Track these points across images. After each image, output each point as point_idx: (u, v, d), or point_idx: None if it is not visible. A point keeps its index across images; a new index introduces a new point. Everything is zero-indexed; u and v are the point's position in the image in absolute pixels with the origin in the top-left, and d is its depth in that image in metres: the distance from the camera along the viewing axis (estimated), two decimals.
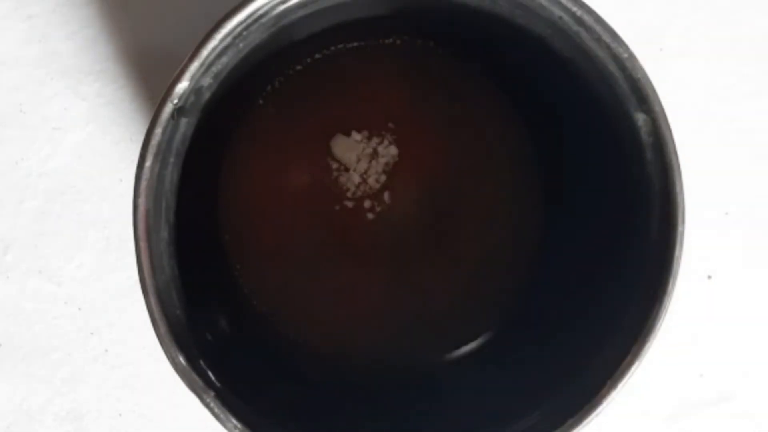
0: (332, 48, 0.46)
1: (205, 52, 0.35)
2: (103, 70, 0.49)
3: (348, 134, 0.47)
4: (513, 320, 0.47)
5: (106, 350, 0.50)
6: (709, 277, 0.50)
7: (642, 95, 0.37)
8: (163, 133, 0.36)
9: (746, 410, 0.51)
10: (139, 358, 0.49)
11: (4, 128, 0.49)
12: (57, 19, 0.49)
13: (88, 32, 0.49)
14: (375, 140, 0.47)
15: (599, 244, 0.42)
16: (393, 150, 0.47)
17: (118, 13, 0.49)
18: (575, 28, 0.37)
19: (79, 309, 0.50)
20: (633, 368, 0.37)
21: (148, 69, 0.49)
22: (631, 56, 0.37)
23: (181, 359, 0.36)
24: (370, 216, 0.47)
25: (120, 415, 0.50)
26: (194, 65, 0.35)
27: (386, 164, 0.47)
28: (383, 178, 0.47)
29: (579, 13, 0.37)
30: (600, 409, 0.37)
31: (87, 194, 0.49)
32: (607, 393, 0.37)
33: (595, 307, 0.41)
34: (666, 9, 0.50)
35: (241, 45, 0.37)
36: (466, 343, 0.47)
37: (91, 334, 0.50)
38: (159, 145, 0.36)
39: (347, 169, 0.47)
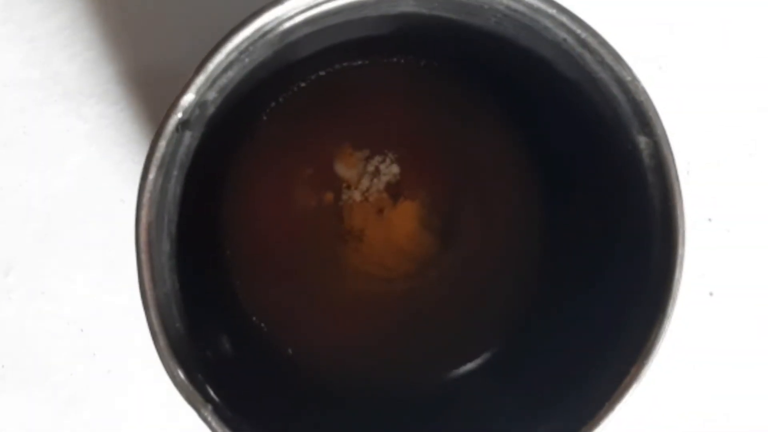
0: (336, 66, 0.47)
1: (211, 66, 0.36)
2: (105, 91, 0.49)
3: (350, 152, 0.47)
4: (515, 338, 0.46)
5: (109, 371, 0.49)
6: (711, 294, 0.50)
7: (644, 118, 0.37)
8: (167, 146, 0.36)
9: (752, 428, 0.51)
10: (143, 378, 0.49)
11: (7, 150, 0.49)
12: (59, 42, 0.49)
13: (90, 54, 0.49)
14: (377, 158, 0.47)
15: (600, 265, 0.42)
16: (395, 168, 0.47)
17: (119, 36, 0.49)
18: (579, 50, 0.37)
19: (81, 330, 0.49)
20: (632, 389, 0.37)
21: (149, 91, 0.49)
22: (634, 79, 0.37)
23: (180, 373, 0.35)
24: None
25: None
26: (200, 79, 0.36)
27: (388, 183, 0.47)
28: (385, 196, 0.47)
29: (583, 35, 0.37)
30: (598, 430, 0.37)
31: (89, 215, 0.49)
32: (606, 414, 0.37)
33: (594, 327, 0.41)
34: (670, 30, 0.50)
35: (246, 60, 0.37)
36: (469, 360, 0.47)
37: (94, 355, 0.49)
38: (163, 157, 0.36)
39: (349, 187, 0.47)
